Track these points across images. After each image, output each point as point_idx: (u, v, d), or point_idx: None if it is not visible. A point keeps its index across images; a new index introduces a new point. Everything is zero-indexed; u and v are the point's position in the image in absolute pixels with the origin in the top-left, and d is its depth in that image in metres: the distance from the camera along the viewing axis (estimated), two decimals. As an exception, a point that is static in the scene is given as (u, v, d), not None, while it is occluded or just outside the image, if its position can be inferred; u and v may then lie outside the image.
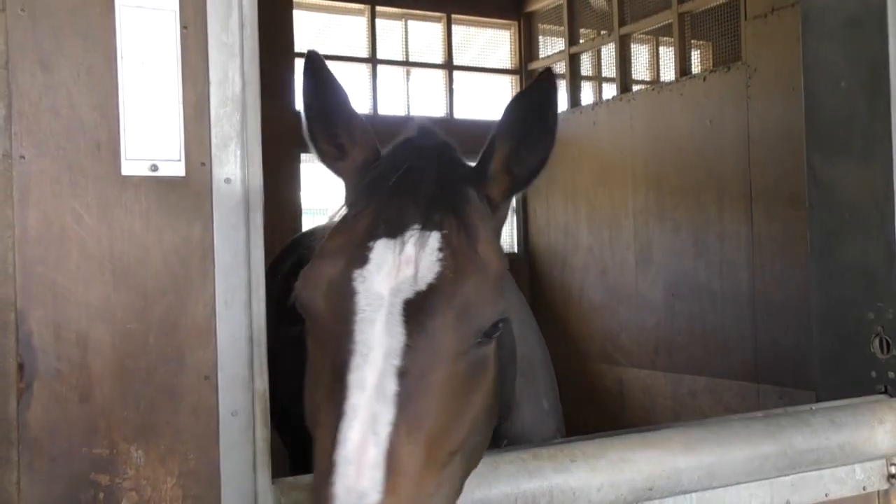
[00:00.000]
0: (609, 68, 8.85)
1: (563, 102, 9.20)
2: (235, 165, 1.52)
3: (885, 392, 2.48)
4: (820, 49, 2.71)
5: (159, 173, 1.46)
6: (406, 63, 9.38)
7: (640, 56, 8.67)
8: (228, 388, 1.49)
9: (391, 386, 1.10)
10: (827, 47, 2.68)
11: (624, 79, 8.36)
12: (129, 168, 1.44)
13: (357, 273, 1.19)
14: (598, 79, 9.20)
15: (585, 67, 9.33)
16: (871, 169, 2.51)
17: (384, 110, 9.06)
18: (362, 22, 9.06)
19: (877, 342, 2.53)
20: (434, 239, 1.23)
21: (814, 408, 2.26)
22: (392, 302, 1.16)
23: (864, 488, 2.23)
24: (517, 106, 1.46)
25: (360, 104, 8.97)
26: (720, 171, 6.33)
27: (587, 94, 9.27)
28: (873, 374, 2.53)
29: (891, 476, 2.26)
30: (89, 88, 1.42)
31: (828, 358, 2.70)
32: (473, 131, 8.74)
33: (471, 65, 9.77)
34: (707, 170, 6.46)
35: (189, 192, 1.48)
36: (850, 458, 2.18)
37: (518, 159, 1.44)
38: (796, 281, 5.30)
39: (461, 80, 9.70)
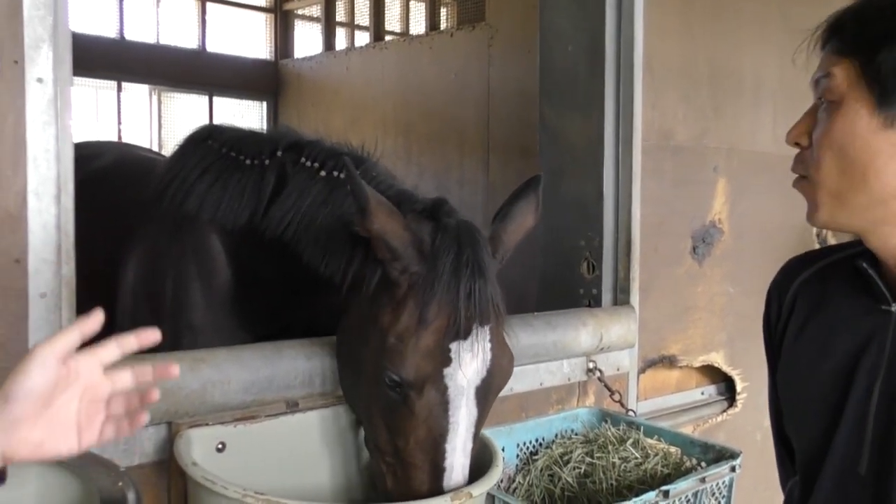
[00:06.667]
0: (363, 17, 9.12)
1: (317, 46, 9.36)
2: (47, 67, 1.63)
3: (589, 305, 3.04)
4: (553, 16, 3.18)
5: (-27, 66, 1.54)
6: (157, -11, 9.03)
7: (393, 8, 9.03)
8: (38, 272, 1.62)
9: (469, 444, 1.70)
10: (559, 15, 3.15)
11: (377, 28, 8.68)
12: (-58, 59, 1.51)
13: (446, 371, 1.63)
14: (352, 26, 9.45)
15: (340, 14, 9.53)
16: (589, 120, 3.03)
17: (131, 35, 8.68)
18: (109, -61, 8.60)
19: (585, 265, 3.08)
20: (486, 333, 1.68)
21: (536, 314, 2.74)
22: (468, 390, 1.66)
23: (568, 379, 2.76)
24: (514, 195, 1.89)
25: (104, 27, 8.53)
26: (463, 122, 6.88)
27: (341, 40, 9.48)
28: (581, 290, 3.08)
29: (588, 370, 2.81)
30: None
31: (548, 278, 3.23)
32: (227, 65, 8.73)
33: (225, -2, 9.61)
34: (451, 120, 6.99)
35: (3, 88, 1.57)
36: (560, 353, 2.68)
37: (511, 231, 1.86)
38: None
39: (214, 13, 9.51)
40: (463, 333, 1.64)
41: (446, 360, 1.63)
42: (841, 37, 1.25)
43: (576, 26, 3.09)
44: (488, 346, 1.69)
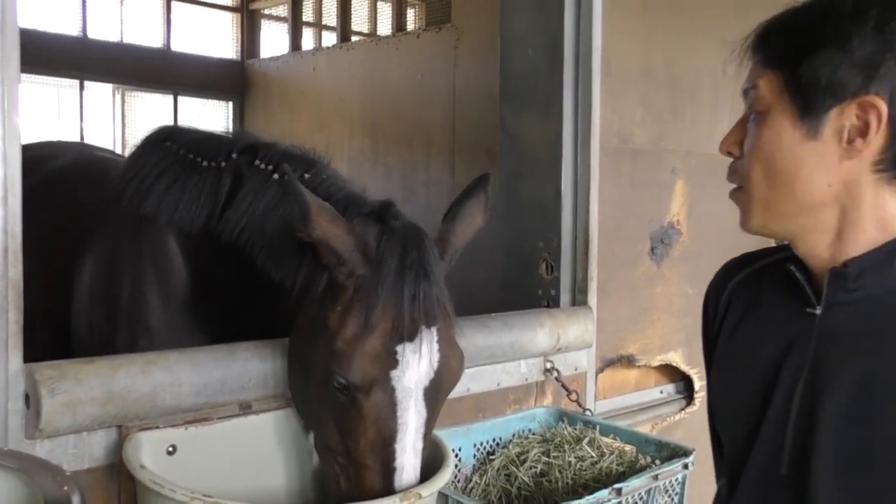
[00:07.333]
0: (330, 17, 9.10)
1: (284, 46, 9.31)
2: (-7, 67, 1.61)
3: (548, 305, 3.06)
4: (514, 19, 3.20)
5: (-84, 67, 1.52)
6: (120, -13, 8.93)
7: (360, 8, 9.02)
8: (-17, 275, 1.61)
9: (420, 444, 1.70)
10: (519, 19, 3.17)
11: (344, 29, 8.66)
12: None
13: (393, 373, 1.64)
14: (319, 26, 9.42)
15: (307, 14, 9.50)
16: (548, 121, 3.05)
17: (94, 34, 8.58)
18: (72, -63, 8.49)
19: (543, 266, 3.10)
20: (434, 334, 1.68)
21: (493, 315, 2.75)
22: (416, 391, 1.67)
23: (526, 379, 2.77)
24: (463, 194, 1.88)
25: (67, 25, 8.42)
26: (429, 123, 6.89)
27: (308, 40, 9.45)
28: (539, 291, 3.10)
29: (546, 370, 2.83)
30: None
31: (508, 279, 3.25)
32: (192, 65, 8.68)
33: (191, -3, 9.52)
34: (418, 121, 7.00)
35: (-53, 89, 1.56)
36: (517, 354, 2.69)
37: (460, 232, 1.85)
38: (488, 225, 5.98)
39: (179, 12, 9.42)
40: (408, 335, 1.64)
41: (392, 363, 1.64)
42: (766, 48, 1.28)
43: (535, 29, 3.12)
44: (435, 347, 1.69)
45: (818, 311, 1.30)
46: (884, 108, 1.17)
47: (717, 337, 1.51)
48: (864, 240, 1.25)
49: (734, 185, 1.36)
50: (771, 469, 1.32)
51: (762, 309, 1.42)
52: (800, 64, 1.21)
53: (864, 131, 1.19)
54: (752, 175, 1.29)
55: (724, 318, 1.50)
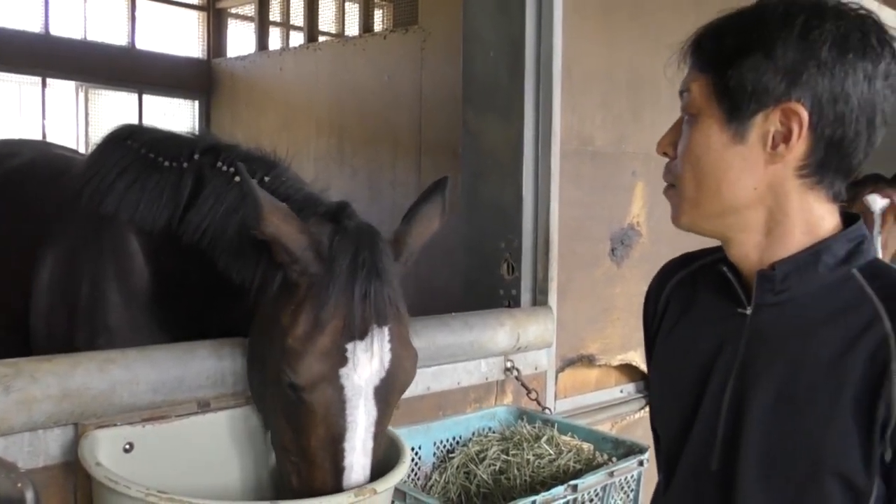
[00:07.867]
0: (297, 17, 9.08)
1: (251, 45, 9.27)
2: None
3: (509, 305, 3.10)
4: (477, 24, 3.23)
5: None
6: (85, -16, 8.84)
7: (327, 9, 9.01)
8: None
9: (370, 443, 1.71)
10: (482, 23, 3.20)
11: (311, 29, 8.64)
12: None
13: (342, 371, 1.65)
14: (286, 25, 9.39)
15: (274, 13, 9.46)
16: (509, 123, 3.08)
17: (58, 31, 8.47)
18: (35, -68, 8.39)
19: (504, 266, 3.13)
20: (385, 333, 1.69)
21: (453, 315, 2.77)
22: (366, 390, 1.68)
23: (486, 378, 2.80)
24: (421, 198, 1.90)
25: (29, 22, 8.31)
26: (396, 123, 6.90)
27: (275, 40, 9.41)
28: (501, 291, 3.13)
29: (506, 369, 2.86)
30: None
31: (470, 279, 3.28)
32: (158, 63, 8.61)
33: (156, -5, 9.44)
34: (384, 122, 7.01)
35: None
36: (478, 353, 2.72)
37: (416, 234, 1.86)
38: (450, 226, 6.00)
39: (145, 10, 9.34)
40: (359, 334, 1.66)
41: (342, 361, 1.65)
42: (699, 53, 1.31)
43: (497, 32, 3.15)
44: (387, 346, 1.70)
45: (748, 311, 1.34)
46: (805, 114, 1.21)
47: (657, 336, 1.55)
48: (791, 242, 1.29)
49: (667, 184, 1.40)
50: (702, 465, 1.36)
51: (697, 309, 1.46)
52: (728, 68, 1.25)
53: (787, 137, 1.23)
54: (683, 175, 1.33)
55: (663, 318, 1.53)
